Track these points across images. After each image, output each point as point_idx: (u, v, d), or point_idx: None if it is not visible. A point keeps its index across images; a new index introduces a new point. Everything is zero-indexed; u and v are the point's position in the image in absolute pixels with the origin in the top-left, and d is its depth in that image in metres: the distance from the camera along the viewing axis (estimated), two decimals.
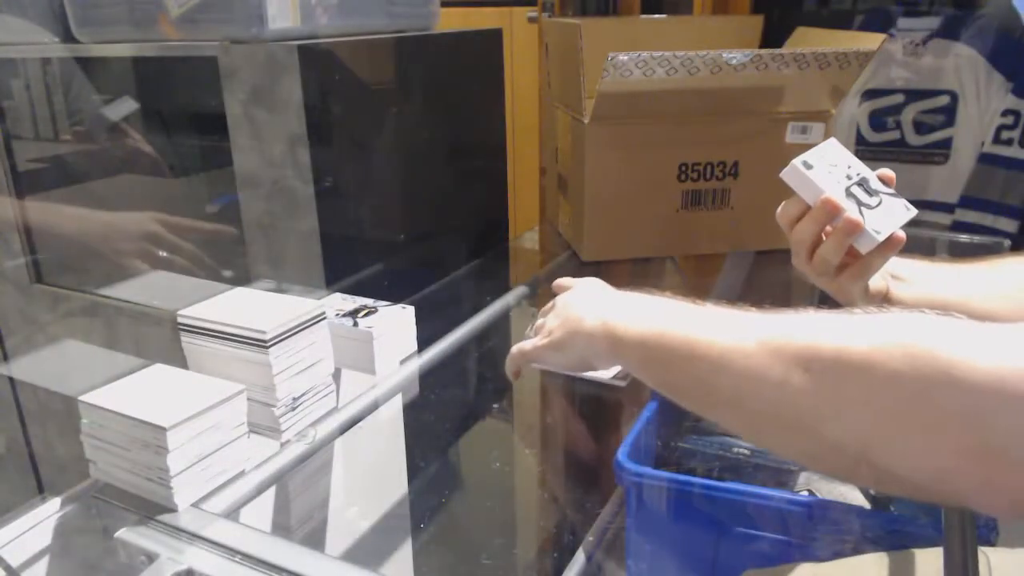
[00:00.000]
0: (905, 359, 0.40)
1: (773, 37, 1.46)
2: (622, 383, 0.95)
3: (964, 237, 1.48)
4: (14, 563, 0.68)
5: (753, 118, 1.25)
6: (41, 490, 1.48)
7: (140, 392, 0.73)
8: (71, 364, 1.36)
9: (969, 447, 0.38)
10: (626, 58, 1.10)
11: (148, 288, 1.22)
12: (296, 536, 0.85)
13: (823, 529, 0.63)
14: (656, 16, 1.67)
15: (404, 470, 0.91)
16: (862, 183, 0.68)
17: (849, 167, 0.69)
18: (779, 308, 0.50)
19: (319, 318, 0.85)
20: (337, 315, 0.95)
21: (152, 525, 0.68)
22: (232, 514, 0.71)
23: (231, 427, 0.74)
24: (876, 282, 0.70)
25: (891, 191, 0.68)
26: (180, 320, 0.84)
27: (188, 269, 1.18)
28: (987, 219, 1.58)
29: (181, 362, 0.85)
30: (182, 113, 1.27)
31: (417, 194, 1.27)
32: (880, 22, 1.65)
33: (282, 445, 0.81)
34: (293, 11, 1.05)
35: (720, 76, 1.15)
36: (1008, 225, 1.57)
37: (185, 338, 0.84)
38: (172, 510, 0.69)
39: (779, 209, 0.71)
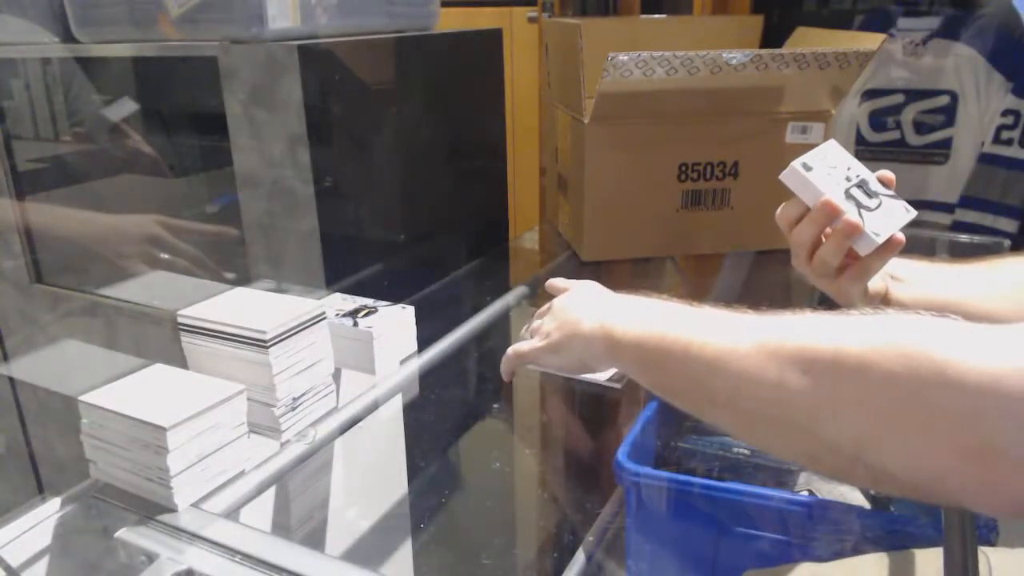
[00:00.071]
0: (900, 360, 0.40)
1: (773, 37, 1.46)
2: (617, 385, 0.95)
3: (964, 237, 1.48)
4: (14, 563, 0.68)
5: (753, 118, 1.25)
6: (41, 490, 1.48)
7: (140, 392, 0.73)
8: (71, 364, 1.36)
9: (966, 447, 0.38)
10: (626, 58, 1.10)
11: (148, 288, 1.22)
12: (296, 536, 0.85)
13: (823, 529, 0.63)
14: (656, 16, 1.66)
15: (404, 470, 0.91)
16: (862, 185, 0.68)
17: (848, 169, 0.69)
18: (776, 309, 0.50)
19: (319, 318, 0.85)
20: (337, 315, 0.95)
21: (152, 525, 0.68)
22: (232, 514, 0.71)
23: (231, 427, 0.74)
24: (875, 283, 0.70)
25: (891, 193, 0.68)
26: (180, 320, 0.84)
27: (189, 270, 1.18)
28: (987, 219, 1.58)
29: (181, 362, 0.85)
30: (182, 113, 1.27)
31: (417, 194, 1.27)
32: (880, 22, 1.65)
33: (282, 445, 0.81)
34: (293, 11, 1.05)
35: (720, 76, 1.15)
36: (1008, 225, 1.57)
37: (185, 338, 0.84)
38: (172, 510, 0.69)
39: (779, 211, 0.71)
